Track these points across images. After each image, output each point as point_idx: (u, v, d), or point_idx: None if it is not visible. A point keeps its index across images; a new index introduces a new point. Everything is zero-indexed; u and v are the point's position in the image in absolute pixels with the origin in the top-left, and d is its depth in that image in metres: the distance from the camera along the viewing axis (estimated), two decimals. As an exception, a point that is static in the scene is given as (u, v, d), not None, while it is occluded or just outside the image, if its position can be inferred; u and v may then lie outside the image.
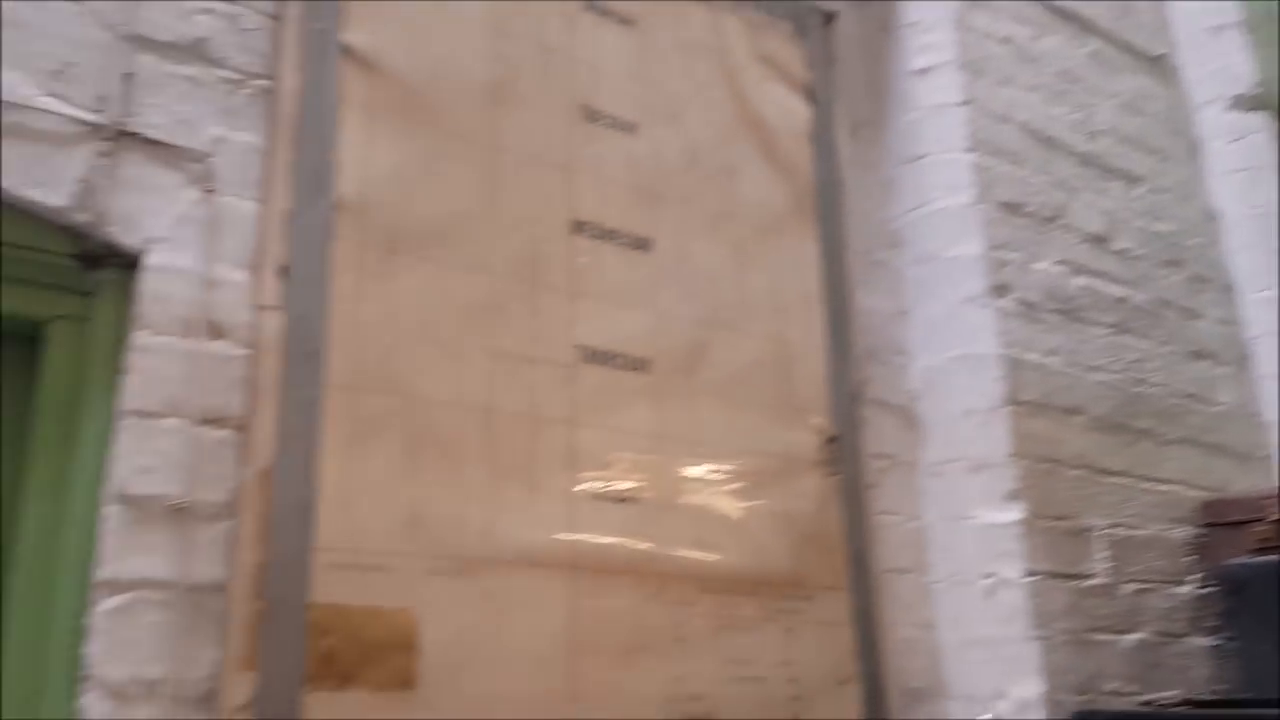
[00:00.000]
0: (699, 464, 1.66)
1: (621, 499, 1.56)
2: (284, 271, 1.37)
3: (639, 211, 1.72)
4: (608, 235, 1.67)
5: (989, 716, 1.68)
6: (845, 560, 1.77)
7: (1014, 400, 1.92)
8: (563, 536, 1.49)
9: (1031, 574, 1.81)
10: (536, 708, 1.39)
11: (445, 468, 1.41)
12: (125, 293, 1.30)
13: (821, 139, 2.03)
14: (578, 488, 1.52)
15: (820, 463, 1.80)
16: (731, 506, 1.67)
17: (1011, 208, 2.12)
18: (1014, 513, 1.85)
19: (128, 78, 1.33)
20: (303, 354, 1.34)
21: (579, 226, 1.65)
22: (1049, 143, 2.27)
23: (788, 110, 1.99)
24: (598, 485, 1.54)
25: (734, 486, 1.68)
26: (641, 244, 1.71)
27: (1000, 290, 2.01)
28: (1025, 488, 1.87)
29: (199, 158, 1.36)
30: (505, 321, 1.53)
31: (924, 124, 2.15)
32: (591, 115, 1.72)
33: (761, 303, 1.83)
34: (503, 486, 1.45)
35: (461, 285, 1.50)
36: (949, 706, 1.83)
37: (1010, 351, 1.97)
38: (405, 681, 1.30)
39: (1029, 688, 1.75)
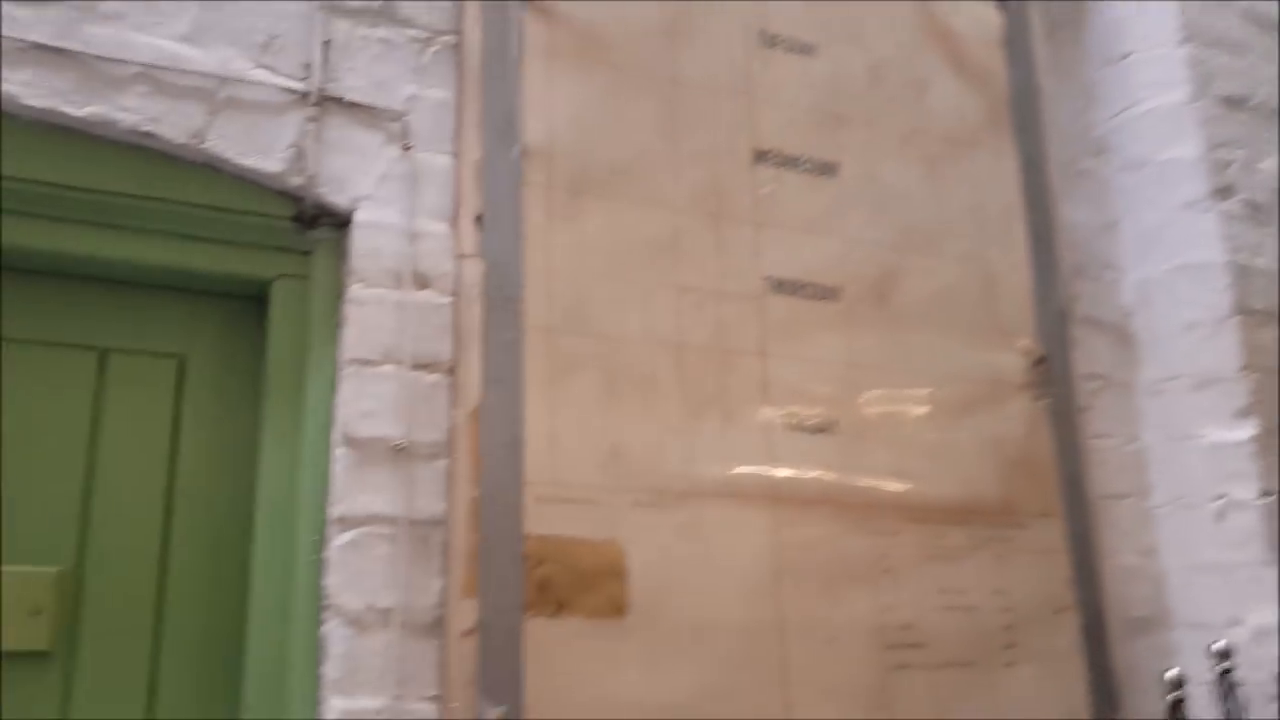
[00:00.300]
0: (897, 392, 1.61)
1: (818, 429, 1.54)
2: (479, 220, 1.41)
3: (822, 135, 1.67)
4: (791, 162, 1.64)
5: (1222, 643, 1.58)
6: (1058, 486, 1.69)
7: (1243, 310, 1.77)
8: (760, 468, 1.49)
9: (1267, 494, 1.68)
10: (745, 635, 1.40)
11: (641, 403, 1.44)
12: (338, 250, 1.39)
13: (1015, 45, 1.90)
14: (773, 419, 1.51)
15: (1028, 386, 1.72)
16: (934, 434, 1.62)
17: (1233, 102, 1.92)
18: (1246, 430, 1.71)
19: (327, 45, 1.40)
20: (501, 299, 1.39)
21: (761, 155, 1.62)
22: (1275, 28, 2.04)
23: (977, 17, 1.88)
24: (793, 416, 1.53)
25: (936, 414, 1.63)
26: (826, 169, 1.66)
27: (1223, 193, 1.84)
28: (1257, 402, 1.72)
29: (396, 117, 1.41)
30: (691, 256, 1.52)
31: (1128, 20, 1.98)
32: (769, 40, 1.67)
33: (958, 222, 1.75)
34: (698, 420, 1.47)
35: (646, 222, 1.51)
36: (1175, 635, 1.73)
37: (1237, 258, 1.80)
38: (617, 608, 1.35)
39: (1267, 614, 1.63)
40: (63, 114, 1.25)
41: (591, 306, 1.44)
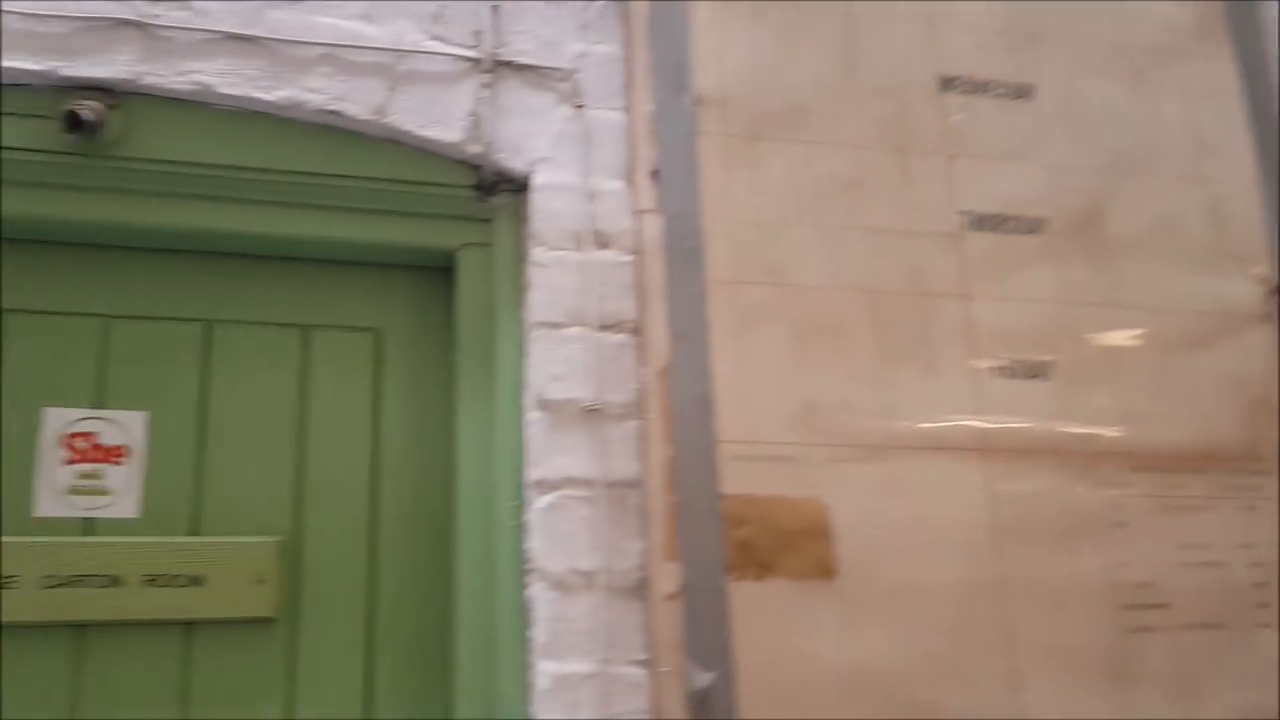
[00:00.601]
0: (1116, 329, 1.47)
1: (1031, 374, 1.42)
2: (655, 174, 1.38)
3: (1014, 56, 1.54)
4: (981, 87, 1.52)
5: None
6: (1313, 426, 1.51)
7: None
8: (968, 417, 1.39)
9: None
10: (963, 596, 1.31)
11: (834, 353, 1.36)
12: (518, 214, 1.38)
13: (1228, -61, 1.70)
14: (979, 365, 1.41)
15: (1266, 316, 1.53)
16: (1161, 374, 1.47)
17: None
18: None
19: (495, 10, 1.39)
20: (682, 252, 1.35)
21: (948, 82, 1.51)
22: None
23: (1183, -89, 1.69)
24: (1002, 360, 1.42)
25: (1162, 351, 1.48)
26: (1021, 92, 1.53)
27: None
28: None
29: (566, 76, 1.40)
30: (879, 195, 1.44)
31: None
32: (950, -41, 1.56)
33: (1173, 141, 1.58)
34: (896, 369, 1.38)
35: (829, 163, 1.43)
36: None
37: None
38: (825, 570, 1.28)
39: None
40: (255, 99, 1.29)
41: (776, 254, 1.38)
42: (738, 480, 1.29)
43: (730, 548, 1.27)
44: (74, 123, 1.25)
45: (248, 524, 1.32)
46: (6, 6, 1.26)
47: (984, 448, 1.38)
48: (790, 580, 1.27)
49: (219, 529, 1.31)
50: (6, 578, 1.23)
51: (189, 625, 1.28)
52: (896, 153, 1.46)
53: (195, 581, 1.28)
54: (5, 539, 1.24)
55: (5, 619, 1.22)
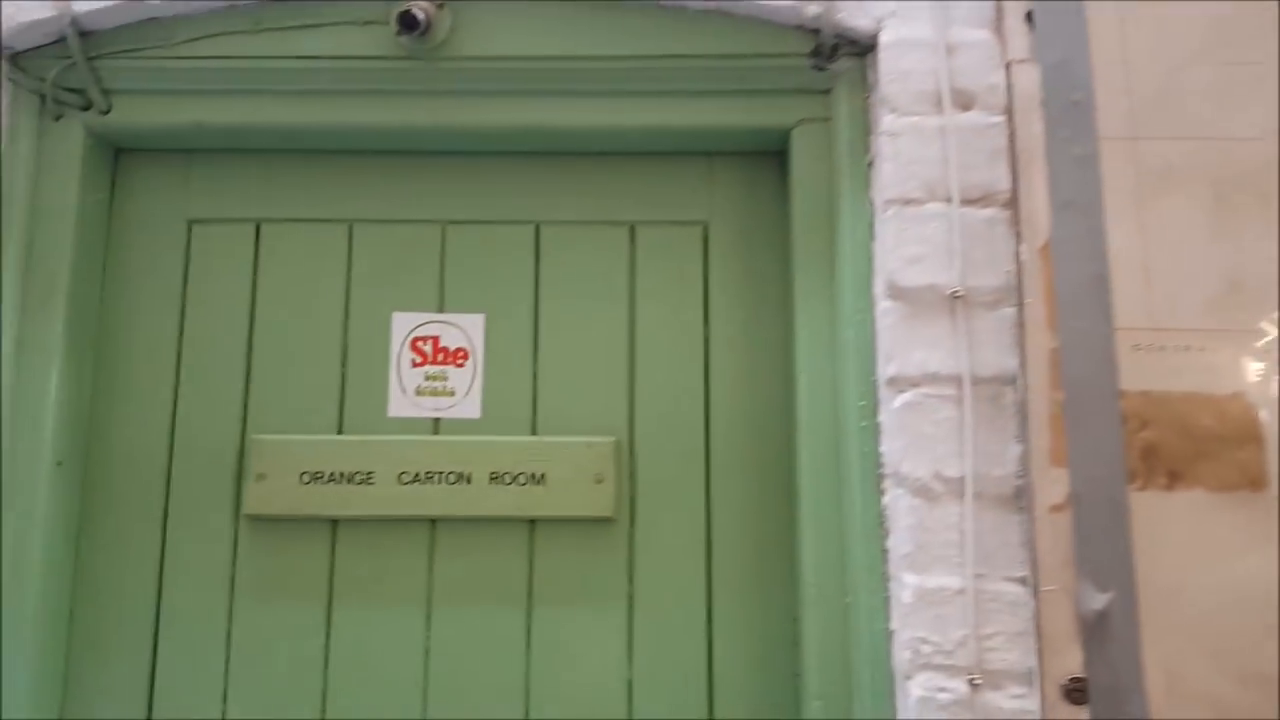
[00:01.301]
0: None
1: None
2: (1030, 17, 1.17)
3: None
4: None
5: None
6: None
7: None
8: None
9: None
10: None
11: (1264, 220, 1.11)
12: (862, 80, 1.23)
13: None
14: None
15: None
16: None
17: None
18: None
19: None
20: (1066, 107, 1.14)
21: None
22: None
23: None
24: None
25: None
26: None
27: None
28: None
29: (913, -85, 1.21)
30: (1321, 24, 1.15)
31: None
32: None
33: None
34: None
35: (1252, -12, 1.16)
36: None
37: None
38: (1253, 480, 1.06)
39: None
40: (581, -21, 1.23)
41: (1184, 101, 1.14)
42: (1140, 374, 1.09)
43: (1131, 452, 1.07)
44: (408, 23, 1.24)
45: (583, 424, 1.29)
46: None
47: None
48: (1208, 491, 1.06)
49: (556, 429, 1.29)
50: (366, 474, 1.27)
51: (532, 523, 1.27)
52: (1347, -37, 1.16)
53: (537, 480, 1.27)
54: (364, 438, 1.28)
55: (367, 513, 1.26)
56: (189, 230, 1.35)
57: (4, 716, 1.18)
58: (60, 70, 1.27)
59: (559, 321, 1.31)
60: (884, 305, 1.16)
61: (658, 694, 1.23)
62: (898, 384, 1.14)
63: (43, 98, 1.28)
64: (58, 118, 1.28)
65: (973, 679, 1.06)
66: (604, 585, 1.26)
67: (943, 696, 1.06)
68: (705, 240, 1.32)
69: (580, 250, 1.33)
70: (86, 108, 1.28)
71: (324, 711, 1.24)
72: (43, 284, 1.25)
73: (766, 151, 1.31)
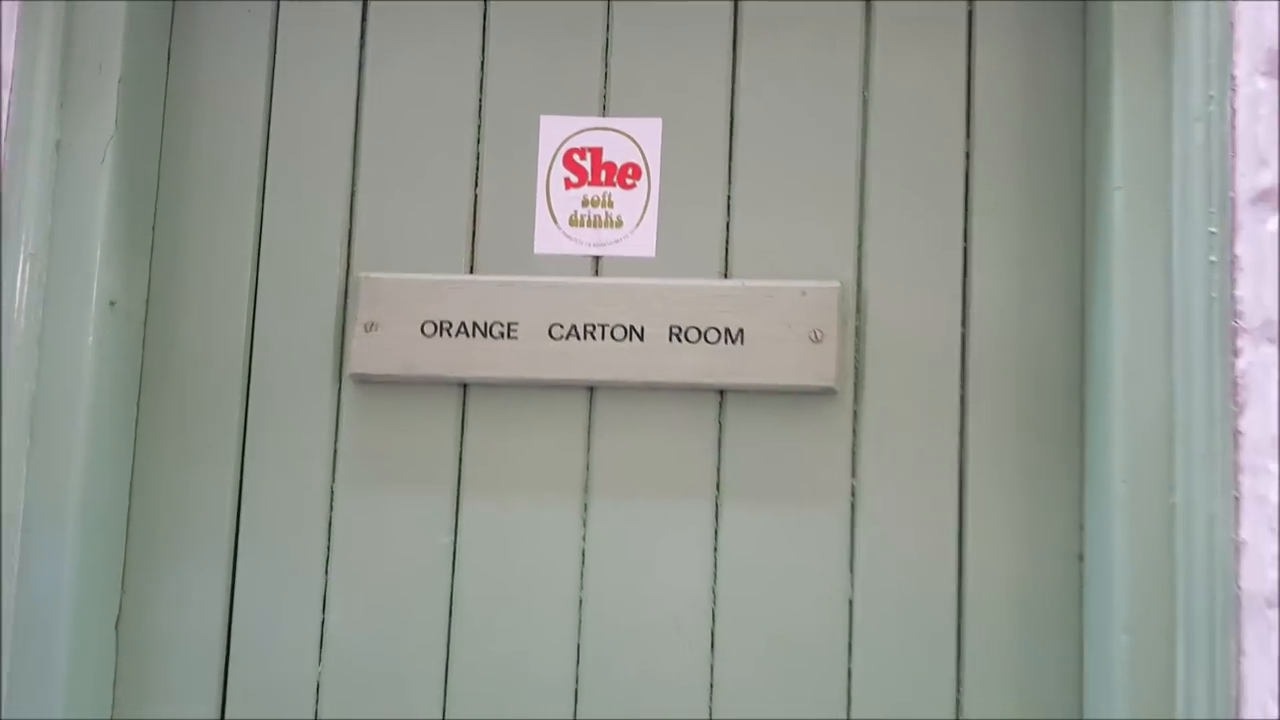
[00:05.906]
0: None
1: None
2: None
3: None
4: None
5: None
6: None
7: None
8: None
9: None
10: None
11: None
12: None
13: None
14: None
15: None
16: None
17: None
18: None
19: None
20: None
21: None
22: None
23: None
24: None
25: None
26: None
27: None
28: None
29: None
30: None
31: None
32: None
33: None
34: None
35: None
36: None
37: None
38: None
39: None
40: None
41: None
42: None
43: None
44: None
45: (794, 265, 0.99)
46: None
47: None
48: None
49: (757, 271, 0.99)
50: (507, 326, 0.98)
51: (722, 393, 0.98)
52: None
53: (732, 337, 0.97)
54: (504, 279, 1.00)
55: (507, 375, 0.98)
56: (276, 7, 1.06)
57: (42, 624, 0.93)
58: None
59: (761, 129, 1.01)
60: (1252, 87, 0.83)
61: (887, 619, 0.96)
62: (1266, 200, 0.81)
63: None
64: None
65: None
66: (819, 477, 0.97)
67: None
68: (970, 20, 1.00)
69: (792, 35, 1.01)
70: None
71: (450, 626, 0.99)
72: (87, 71, 0.98)
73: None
